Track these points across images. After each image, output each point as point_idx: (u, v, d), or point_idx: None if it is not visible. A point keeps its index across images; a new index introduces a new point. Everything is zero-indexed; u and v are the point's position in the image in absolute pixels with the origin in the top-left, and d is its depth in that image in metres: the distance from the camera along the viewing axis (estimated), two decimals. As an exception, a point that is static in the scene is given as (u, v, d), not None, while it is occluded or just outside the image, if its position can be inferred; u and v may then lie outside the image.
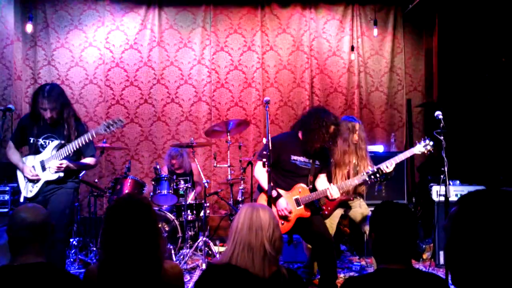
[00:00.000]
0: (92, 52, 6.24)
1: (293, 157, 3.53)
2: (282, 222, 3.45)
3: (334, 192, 3.52)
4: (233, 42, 6.45)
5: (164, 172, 5.35)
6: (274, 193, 3.40)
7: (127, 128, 6.25)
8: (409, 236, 1.73)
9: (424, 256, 4.96)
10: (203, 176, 4.86)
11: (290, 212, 3.43)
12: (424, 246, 4.98)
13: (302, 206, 3.52)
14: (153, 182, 4.94)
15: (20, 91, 5.99)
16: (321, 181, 3.71)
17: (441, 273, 4.39)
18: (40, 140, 3.46)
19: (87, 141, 3.38)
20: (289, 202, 3.48)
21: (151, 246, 1.81)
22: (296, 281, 1.86)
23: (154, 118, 6.31)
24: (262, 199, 3.57)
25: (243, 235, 1.82)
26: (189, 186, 4.91)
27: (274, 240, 1.83)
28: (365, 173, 3.70)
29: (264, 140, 3.32)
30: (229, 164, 5.02)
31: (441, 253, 4.68)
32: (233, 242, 1.84)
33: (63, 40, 6.20)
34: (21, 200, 3.51)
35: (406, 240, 1.72)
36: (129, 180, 4.79)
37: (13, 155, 3.57)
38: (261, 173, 3.49)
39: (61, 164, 3.35)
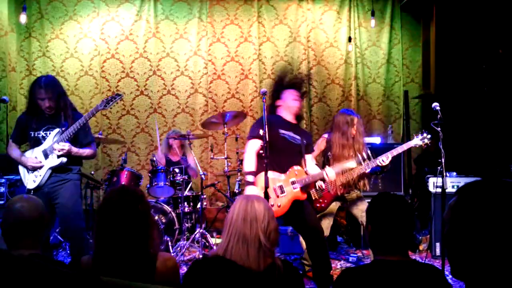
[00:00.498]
0: (87, 44, 6.19)
1: (282, 131, 3.52)
2: (279, 204, 3.43)
3: (330, 174, 3.53)
4: (230, 33, 6.40)
5: (161, 163, 5.30)
6: (250, 179, 3.39)
7: (123, 120, 6.21)
8: (406, 228, 1.73)
9: (421, 248, 4.98)
10: (200, 168, 4.84)
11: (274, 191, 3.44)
12: (420, 237, 5.00)
13: (298, 188, 3.50)
14: (149, 174, 4.92)
15: (15, 83, 5.94)
16: (311, 165, 3.69)
17: (437, 264, 4.42)
18: (41, 132, 3.48)
19: (87, 119, 3.39)
20: (285, 186, 3.47)
21: (142, 237, 1.81)
22: (291, 273, 1.85)
23: (150, 110, 6.27)
24: (257, 180, 3.53)
25: (237, 226, 1.81)
26: (186, 178, 4.90)
27: (269, 231, 1.81)
28: (359, 156, 3.69)
29: (261, 132, 3.29)
30: (226, 156, 5.01)
31: (437, 244, 4.70)
32: (228, 234, 1.83)
33: (57, 31, 6.13)
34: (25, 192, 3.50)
35: (403, 232, 1.72)
36: (126, 172, 4.77)
37: (13, 151, 3.58)
38: (249, 155, 3.46)
39: (64, 145, 3.35)
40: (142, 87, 6.28)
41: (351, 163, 3.67)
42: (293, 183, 3.50)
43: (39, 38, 6.11)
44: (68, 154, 3.40)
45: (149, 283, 1.76)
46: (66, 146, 3.36)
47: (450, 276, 3.15)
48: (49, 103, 3.40)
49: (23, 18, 5.63)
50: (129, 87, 6.26)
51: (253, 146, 3.47)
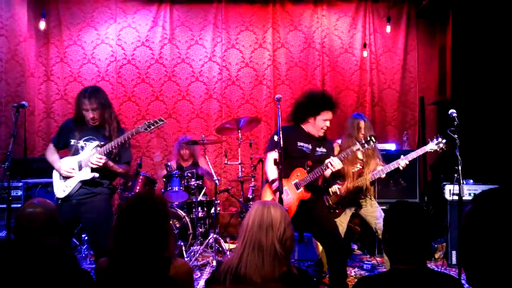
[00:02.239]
0: (104, 49, 6.28)
1: (300, 143, 3.62)
2: (286, 207, 3.44)
3: (335, 162, 3.48)
4: (244, 39, 6.43)
5: (173, 167, 5.34)
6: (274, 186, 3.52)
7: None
8: (423, 237, 1.69)
9: (436, 256, 4.91)
10: (213, 173, 4.86)
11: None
12: (436, 245, 4.93)
13: (301, 189, 3.56)
14: (164, 179, 4.95)
15: (33, 88, 6.05)
16: None
17: (453, 272, 4.34)
18: (81, 142, 3.43)
19: (127, 139, 3.36)
20: (289, 189, 3.55)
21: (159, 245, 1.81)
22: (307, 282, 1.82)
23: (165, 115, 6.32)
24: (267, 191, 3.66)
25: (253, 233, 1.78)
26: (200, 183, 4.92)
27: (285, 239, 1.78)
28: (357, 143, 3.59)
29: (276, 137, 3.30)
30: (239, 162, 5.01)
31: (454, 252, 4.63)
32: (243, 241, 1.80)
33: (75, 37, 6.24)
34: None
35: (420, 241, 1.69)
36: (141, 177, 4.81)
37: (51, 155, 3.53)
38: (270, 167, 3.62)
39: (100, 158, 3.29)
40: (158, 93, 6.34)
41: (355, 147, 3.59)
42: (296, 184, 3.58)
43: (57, 44, 6.22)
44: (102, 168, 3.35)
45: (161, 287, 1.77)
46: (103, 160, 3.30)
47: (467, 285, 3.09)
48: (93, 114, 3.37)
49: (42, 24, 5.75)
50: (144, 92, 6.32)
51: (272, 158, 3.54)
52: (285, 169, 3.44)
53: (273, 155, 3.53)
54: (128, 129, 3.62)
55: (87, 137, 3.43)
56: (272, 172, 3.59)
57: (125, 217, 1.84)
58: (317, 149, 3.68)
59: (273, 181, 3.56)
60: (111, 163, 3.40)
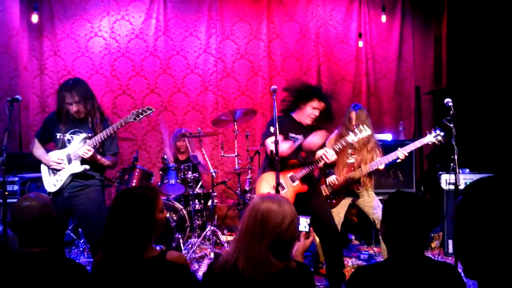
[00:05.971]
0: (98, 42, 6.22)
1: (291, 134, 3.64)
2: None
3: (329, 154, 3.48)
4: (239, 30, 6.39)
5: (170, 160, 5.32)
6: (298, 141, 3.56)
7: (134, 118, 6.23)
8: (422, 227, 1.70)
9: (433, 245, 4.94)
10: (210, 166, 4.85)
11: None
12: (432, 234, 4.96)
13: (297, 182, 3.58)
14: (160, 172, 4.94)
15: (27, 82, 5.99)
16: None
17: (450, 261, 4.37)
18: (67, 135, 3.41)
19: (115, 130, 3.35)
20: (285, 182, 3.57)
21: (143, 236, 1.83)
22: (304, 274, 1.81)
23: (161, 108, 6.29)
24: (262, 182, 3.65)
25: (252, 227, 1.76)
26: (197, 175, 4.91)
27: (288, 235, 1.76)
28: (350, 133, 3.59)
29: (272, 129, 3.29)
30: (236, 154, 5.01)
31: (450, 242, 4.66)
32: (242, 234, 1.79)
33: (68, 31, 6.17)
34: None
35: (419, 231, 1.69)
36: (137, 170, 4.80)
37: (37, 150, 3.51)
38: (280, 143, 3.44)
39: (89, 150, 3.27)
40: (153, 86, 6.30)
41: (349, 137, 3.58)
42: (291, 177, 3.59)
43: (50, 38, 6.15)
44: (90, 160, 3.34)
45: (158, 282, 1.76)
46: (91, 152, 3.29)
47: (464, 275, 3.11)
48: (77, 107, 3.33)
49: (34, 17, 5.68)
50: (139, 85, 6.28)
51: (271, 141, 3.49)
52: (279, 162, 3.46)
53: (272, 139, 3.46)
54: None
55: (73, 130, 3.41)
56: (285, 145, 3.48)
57: (113, 211, 1.86)
58: None
59: (290, 147, 3.50)
60: (98, 156, 3.38)
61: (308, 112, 3.65)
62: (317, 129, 3.68)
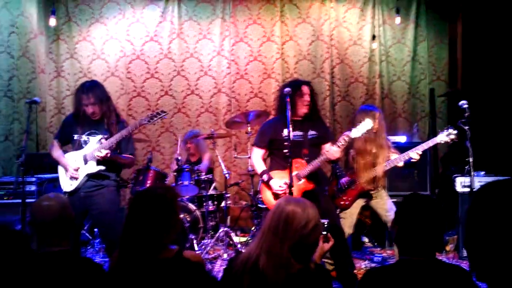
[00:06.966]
0: (114, 45, 6.30)
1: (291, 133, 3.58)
2: None
3: (334, 151, 3.47)
4: (253, 32, 6.42)
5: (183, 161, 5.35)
6: (265, 178, 3.60)
7: (148, 120, 6.30)
8: (434, 230, 1.69)
9: (448, 248, 4.89)
10: (223, 167, 4.88)
11: (285, 184, 3.46)
12: (447, 238, 4.91)
13: (303, 180, 3.56)
14: (174, 173, 4.99)
15: (44, 84, 6.10)
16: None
17: (464, 265, 4.33)
18: (84, 136, 3.49)
19: (130, 132, 3.43)
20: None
21: (165, 237, 1.85)
22: (323, 276, 1.82)
23: (174, 109, 6.35)
24: (264, 189, 3.68)
25: (275, 226, 1.77)
26: (210, 177, 4.94)
27: (311, 239, 1.78)
28: (352, 129, 3.56)
29: (285, 131, 3.30)
30: (249, 155, 5.03)
31: (465, 245, 4.61)
32: (264, 232, 1.81)
33: (85, 34, 6.27)
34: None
35: (431, 234, 1.69)
36: (151, 171, 4.85)
37: (55, 151, 3.59)
38: (256, 160, 3.78)
39: (106, 153, 3.35)
40: (167, 87, 6.36)
41: (353, 133, 3.52)
42: (297, 176, 3.56)
43: (67, 41, 6.25)
44: (108, 160, 3.40)
45: (175, 280, 1.79)
46: (103, 154, 3.35)
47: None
48: (93, 108, 3.42)
49: (52, 21, 5.78)
50: (154, 87, 6.35)
51: (257, 154, 3.77)
52: (281, 162, 3.52)
53: (258, 152, 3.76)
54: None
55: (89, 131, 3.50)
56: (258, 165, 3.74)
57: (132, 210, 1.89)
58: (309, 134, 3.67)
59: (262, 173, 3.67)
60: (114, 156, 3.45)
61: (303, 100, 3.63)
62: (312, 120, 3.69)
